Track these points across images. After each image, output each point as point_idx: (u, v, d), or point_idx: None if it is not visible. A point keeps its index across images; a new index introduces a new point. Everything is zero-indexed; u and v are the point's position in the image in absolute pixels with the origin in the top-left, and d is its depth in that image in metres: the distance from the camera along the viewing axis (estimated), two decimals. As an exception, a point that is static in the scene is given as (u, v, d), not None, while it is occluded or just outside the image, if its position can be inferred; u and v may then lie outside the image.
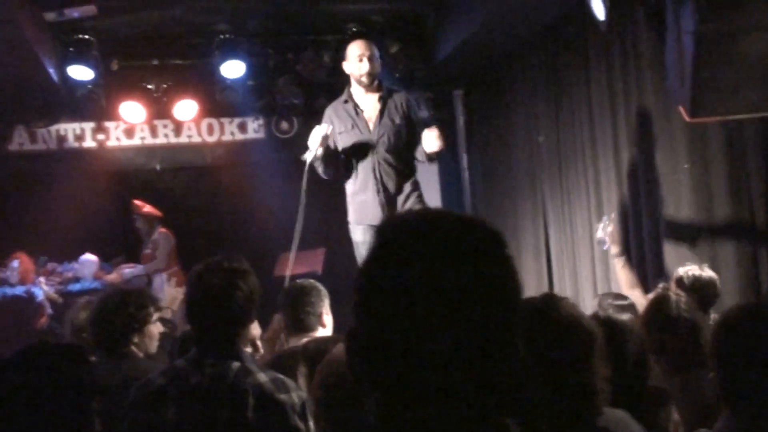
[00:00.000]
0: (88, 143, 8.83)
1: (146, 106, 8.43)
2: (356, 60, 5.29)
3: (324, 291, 3.87)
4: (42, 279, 8.21)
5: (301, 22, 7.98)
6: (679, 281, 4.16)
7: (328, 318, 3.82)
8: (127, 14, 7.36)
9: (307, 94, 8.48)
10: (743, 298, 4.86)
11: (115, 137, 8.89)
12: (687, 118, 4.47)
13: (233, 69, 7.99)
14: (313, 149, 5.18)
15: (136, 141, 8.93)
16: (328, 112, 5.47)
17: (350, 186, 5.44)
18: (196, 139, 9.05)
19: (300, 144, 9.10)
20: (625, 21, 6.02)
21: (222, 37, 7.88)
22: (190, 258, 8.61)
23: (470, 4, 7.02)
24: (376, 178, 5.28)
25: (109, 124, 8.83)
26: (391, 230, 1.15)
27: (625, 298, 4.18)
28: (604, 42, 6.32)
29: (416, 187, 5.39)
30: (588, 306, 6.34)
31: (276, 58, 8.29)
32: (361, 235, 5.38)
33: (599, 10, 5.07)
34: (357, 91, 5.39)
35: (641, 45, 5.86)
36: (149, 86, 8.38)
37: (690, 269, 4.22)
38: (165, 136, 8.98)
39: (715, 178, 5.29)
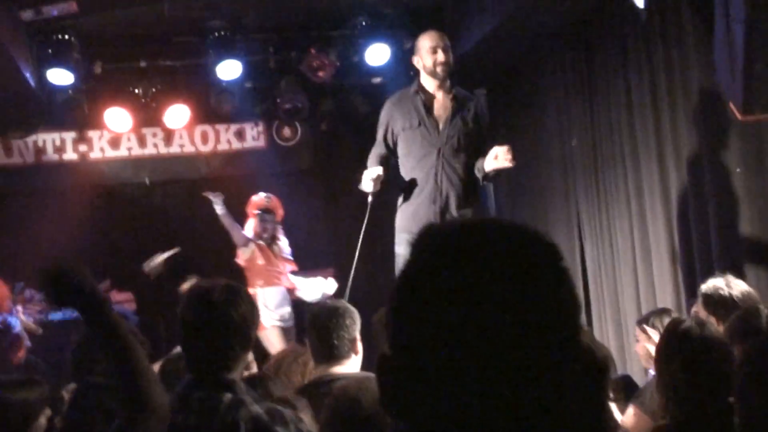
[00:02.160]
0: (69, 155, 8.86)
1: (133, 113, 8.45)
2: (429, 51, 5.47)
3: (357, 313, 3.91)
4: (19, 308, 8.20)
5: (305, 16, 8.03)
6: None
7: (360, 344, 3.85)
8: (111, 11, 7.41)
9: (312, 97, 8.56)
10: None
11: (99, 148, 8.93)
12: (739, 116, 4.48)
13: (229, 70, 8.02)
14: (368, 188, 5.36)
15: (122, 152, 8.96)
16: (388, 107, 5.62)
17: (403, 187, 5.55)
18: (189, 149, 9.10)
19: (304, 152, 9.31)
20: (667, 10, 6.03)
21: (216, 34, 7.91)
22: (183, 280, 8.68)
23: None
24: (437, 183, 5.41)
25: (93, 134, 8.87)
26: (430, 241, 1.13)
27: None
28: (644, 34, 6.34)
29: (479, 206, 5.53)
30: (629, 321, 6.37)
31: (277, 57, 8.32)
32: (404, 247, 5.46)
33: (638, -1, 5.09)
34: (429, 85, 5.55)
35: (686, 36, 5.87)
36: (136, 91, 8.40)
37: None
38: (154, 146, 9.04)
39: (772, 184, 5.34)
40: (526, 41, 7.61)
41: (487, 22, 7.35)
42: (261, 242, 7.48)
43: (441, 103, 5.54)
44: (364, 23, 8.03)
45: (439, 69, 5.47)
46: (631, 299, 6.70)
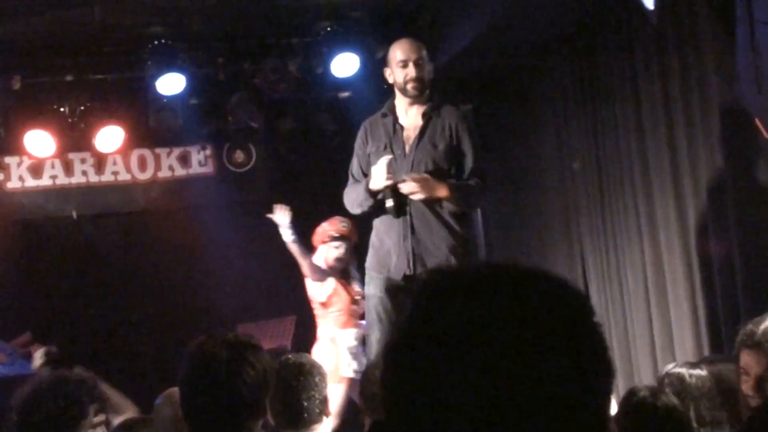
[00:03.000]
0: (-18, 185, 8.86)
1: (58, 136, 8.40)
2: (399, 65, 5.47)
3: (324, 369, 3.89)
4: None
5: (260, 21, 8.01)
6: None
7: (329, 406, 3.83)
8: (32, 16, 7.36)
9: (269, 115, 8.58)
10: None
11: (18, 177, 8.89)
12: (767, 135, 4.46)
13: (171, 84, 8.01)
14: (380, 183, 5.31)
15: (45, 181, 8.91)
16: (364, 127, 5.66)
17: (376, 223, 5.58)
18: (124, 177, 9.07)
19: (260, 179, 9.29)
20: (681, 10, 6.06)
21: (156, 43, 7.90)
22: (117, 329, 8.62)
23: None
24: (405, 219, 5.40)
25: (10, 160, 8.82)
26: (437, 292, 1.12)
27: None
28: (656, 38, 6.36)
29: (466, 244, 5.49)
30: (644, 377, 6.35)
31: (227, 69, 8.33)
32: (376, 288, 5.47)
33: (648, -1, 5.10)
34: (400, 104, 5.58)
35: (704, 41, 5.89)
36: (62, 109, 8.36)
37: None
38: (83, 174, 8.99)
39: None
40: (517, 49, 7.63)
41: (472, 27, 7.37)
42: (337, 276, 7.17)
43: (412, 122, 5.54)
44: (328, 29, 8.01)
45: (410, 86, 5.46)
46: (644, 351, 6.69)
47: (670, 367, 4.10)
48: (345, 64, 8.09)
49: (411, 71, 5.43)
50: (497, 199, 8.66)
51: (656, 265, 6.49)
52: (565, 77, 7.55)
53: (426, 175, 5.32)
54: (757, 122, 4.44)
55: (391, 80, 5.57)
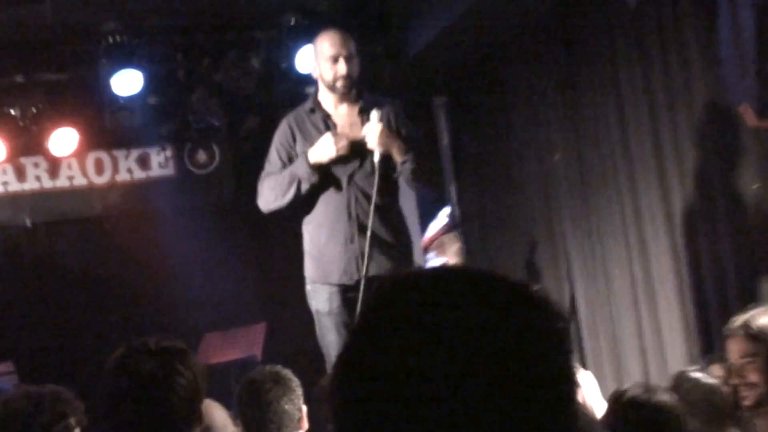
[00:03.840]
0: (-73, 193, 8.79)
1: (9, 140, 8.32)
2: (329, 60, 5.46)
3: (298, 381, 3.91)
4: None
5: (221, 14, 7.99)
6: None
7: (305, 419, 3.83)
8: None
9: (232, 113, 8.56)
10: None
11: (-34, 184, 8.91)
12: (752, 122, 4.48)
13: (128, 82, 7.96)
14: (329, 153, 5.32)
15: (-5, 187, 8.97)
16: (288, 122, 5.63)
17: (310, 229, 5.55)
18: (80, 181, 8.97)
19: (224, 181, 9.26)
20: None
21: (111, 39, 7.83)
22: (78, 342, 8.56)
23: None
24: (350, 217, 5.39)
25: (-43, 167, 8.85)
26: (390, 298, 1.12)
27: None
28: (636, 25, 6.40)
29: (408, 240, 5.58)
30: (633, 377, 6.40)
31: (187, 65, 8.28)
32: (325, 302, 5.43)
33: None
34: (327, 99, 5.59)
35: (686, 26, 5.93)
36: (12, 111, 8.27)
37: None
38: (36, 179, 8.91)
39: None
40: (491, 38, 7.66)
41: (443, 16, 7.39)
42: None
43: (346, 118, 5.56)
44: (293, 22, 7.95)
45: (339, 84, 5.47)
46: (632, 348, 6.72)
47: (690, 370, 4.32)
48: (310, 58, 8.00)
49: (342, 68, 5.44)
50: (474, 194, 8.77)
51: (643, 259, 6.52)
52: (542, 66, 7.56)
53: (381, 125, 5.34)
54: (742, 109, 4.45)
55: (315, 74, 5.60)
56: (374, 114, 5.35)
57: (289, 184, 5.43)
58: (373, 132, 5.33)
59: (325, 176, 5.43)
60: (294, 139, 5.56)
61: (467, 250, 8.51)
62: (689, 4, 5.81)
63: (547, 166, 7.60)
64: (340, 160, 5.42)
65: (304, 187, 5.39)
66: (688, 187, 6.08)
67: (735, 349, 3.85)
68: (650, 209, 6.42)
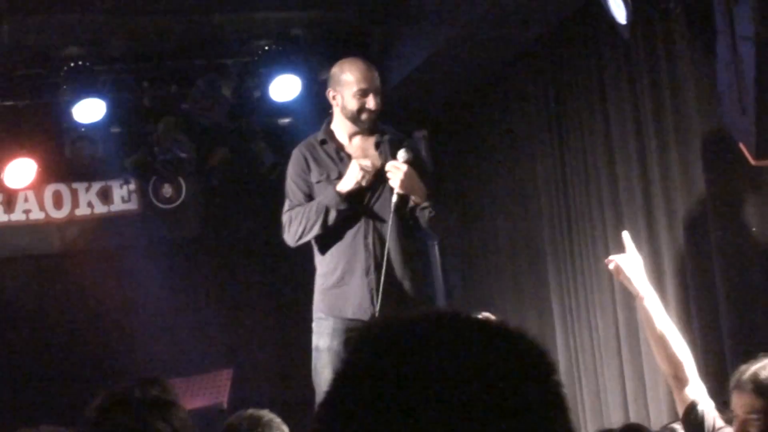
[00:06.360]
0: None
1: (-40, 170, 8.34)
2: (356, 94, 5.52)
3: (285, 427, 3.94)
4: None
5: (189, 39, 7.98)
6: None
7: None
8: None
9: (201, 145, 8.50)
10: None
11: None
12: (751, 161, 4.49)
13: (90, 111, 7.91)
14: (354, 179, 5.42)
15: (-55, 222, 8.88)
16: (300, 152, 5.70)
17: (324, 263, 5.62)
18: (37, 216, 8.86)
19: (191, 216, 9.21)
20: (655, 26, 6.10)
21: (72, 65, 7.79)
22: (37, 386, 8.46)
23: (433, 12, 7.15)
24: (368, 251, 5.46)
25: None
26: (378, 342, 1.14)
27: None
28: (627, 56, 6.41)
29: (424, 278, 5.76)
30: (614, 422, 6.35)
31: (153, 93, 8.26)
32: (327, 336, 5.48)
33: (619, 11, 5.12)
34: (341, 130, 5.67)
35: (680, 58, 5.94)
36: (-35, 140, 8.32)
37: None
38: (-9, 213, 8.89)
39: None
40: (475, 69, 7.68)
41: (425, 46, 7.42)
42: None
43: (361, 149, 5.66)
44: (266, 48, 7.95)
45: (364, 116, 5.57)
46: (616, 400, 6.71)
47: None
48: (285, 87, 8.06)
49: (370, 103, 5.52)
50: (454, 234, 8.63)
51: (627, 305, 6.42)
52: (528, 99, 7.58)
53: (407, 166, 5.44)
54: (741, 146, 4.46)
55: (335, 103, 5.63)
56: (402, 154, 5.48)
57: (317, 215, 5.48)
58: (398, 173, 5.43)
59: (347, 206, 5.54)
60: (309, 168, 5.63)
61: (449, 290, 8.53)
62: (686, 35, 5.81)
63: (531, 204, 7.60)
64: (358, 192, 5.51)
65: (332, 216, 5.45)
66: (678, 230, 6.06)
67: (741, 404, 3.78)
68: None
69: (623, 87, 6.51)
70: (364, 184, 5.44)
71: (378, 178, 5.54)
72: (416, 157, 5.72)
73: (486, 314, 4.65)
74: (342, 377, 1.15)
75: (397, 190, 5.41)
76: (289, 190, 5.72)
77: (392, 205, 5.42)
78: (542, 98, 7.43)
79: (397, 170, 5.42)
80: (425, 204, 5.52)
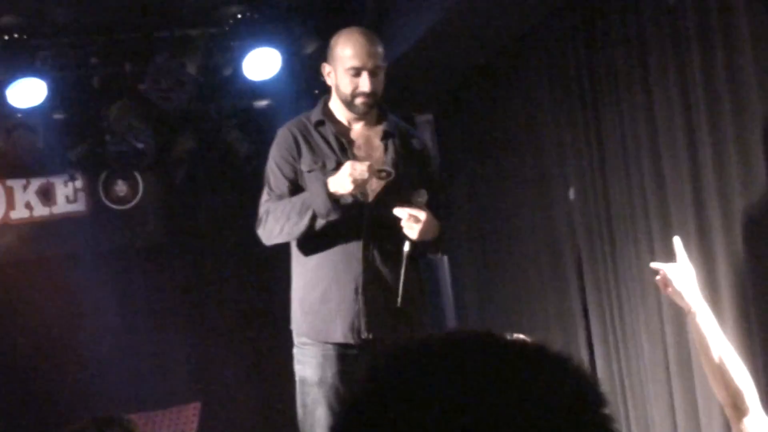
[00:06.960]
0: None
1: None
2: (349, 72, 5.40)
3: None
4: None
5: (147, 8, 7.81)
6: None
7: None
8: None
9: (161, 133, 8.36)
10: None
11: None
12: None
13: (28, 93, 7.85)
14: (342, 187, 5.22)
15: None
16: (291, 131, 5.53)
17: (304, 271, 5.47)
18: (-34, 218, 8.56)
19: (150, 219, 9.26)
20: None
21: (7, 38, 7.67)
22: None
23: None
24: (367, 260, 5.35)
25: None
26: (396, 370, 1.18)
27: None
28: (673, 25, 6.17)
29: (423, 294, 5.67)
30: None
31: (104, 71, 8.13)
32: (316, 367, 5.34)
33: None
34: (340, 111, 5.55)
35: (740, 25, 5.69)
36: None
37: None
38: None
39: None
40: (486, 41, 7.62)
41: (427, 13, 7.28)
42: None
43: (364, 137, 5.53)
44: (240, 15, 7.86)
45: (359, 101, 5.41)
46: (663, 422, 6.65)
47: None
48: (262, 64, 8.01)
49: (364, 84, 5.36)
50: (468, 235, 8.80)
51: (678, 326, 6.35)
52: (554, 76, 7.44)
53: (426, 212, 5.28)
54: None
55: (329, 81, 5.50)
56: (420, 196, 5.32)
57: (300, 215, 5.32)
58: (417, 225, 5.27)
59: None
60: (299, 153, 5.48)
61: (460, 305, 8.53)
62: (743, 3, 5.70)
63: (559, 204, 7.50)
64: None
65: (320, 223, 5.28)
66: (733, 233, 5.89)
67: None
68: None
69: (669, 63, 6.28)
70: (352, 193, 5.24)
71: (382, 175, 5.41)
72: (423, 157, 5.65)
73: (520, 335, 4.58)
74: (357, 411, 1.19)
75: (411, 237, 5.27)
76: (270, 176, 5.50)
77: (404, 254, 5.29)
78: (572, 75, 7.26)
79: (416, 221, 5.25)
80: (434, 250, 5.61)
